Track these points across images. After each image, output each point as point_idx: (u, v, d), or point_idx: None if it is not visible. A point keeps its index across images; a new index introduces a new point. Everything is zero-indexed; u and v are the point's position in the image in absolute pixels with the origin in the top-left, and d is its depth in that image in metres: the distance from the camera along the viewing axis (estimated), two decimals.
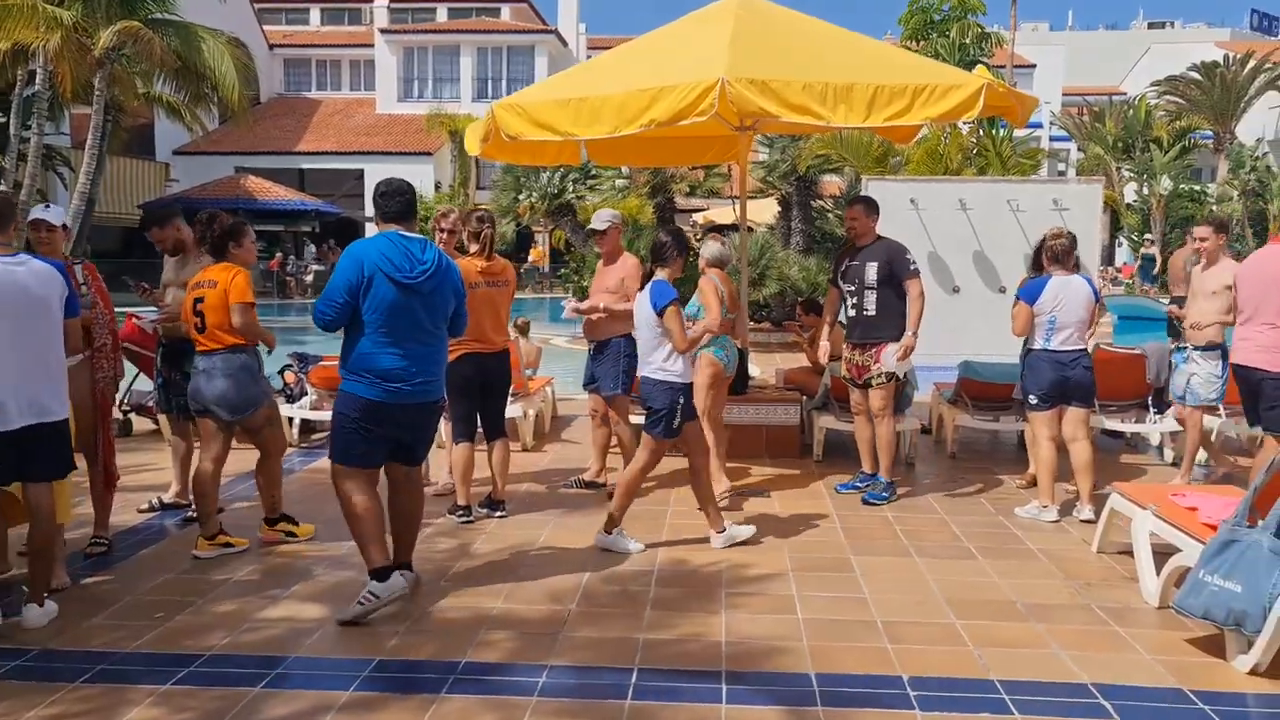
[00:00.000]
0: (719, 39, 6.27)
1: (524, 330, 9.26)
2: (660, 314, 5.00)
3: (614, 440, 6.51)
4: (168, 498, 6.02)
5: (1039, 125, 38.33)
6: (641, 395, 5.26)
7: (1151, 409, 7.72)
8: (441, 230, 5.85)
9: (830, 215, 17.86)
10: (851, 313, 6.39)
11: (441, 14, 43.03)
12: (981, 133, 15.16)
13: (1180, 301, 8.25)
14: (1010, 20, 22.89)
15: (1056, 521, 5.86)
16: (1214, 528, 4.21)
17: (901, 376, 6.38)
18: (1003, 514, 6.05)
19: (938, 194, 10.21)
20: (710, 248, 6.36)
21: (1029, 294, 5.93)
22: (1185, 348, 6.64)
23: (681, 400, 5.09)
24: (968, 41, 18.18)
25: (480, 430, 5.89)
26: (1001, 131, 14.86)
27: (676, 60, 6.32)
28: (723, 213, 25.88)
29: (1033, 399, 5.96)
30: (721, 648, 3.94)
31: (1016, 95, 6.91)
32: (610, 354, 6.33)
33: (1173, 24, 66.67)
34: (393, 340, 4.20)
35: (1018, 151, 15.59)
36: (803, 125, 7.99)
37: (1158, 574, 4.42)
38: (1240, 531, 3.75)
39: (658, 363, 5.08)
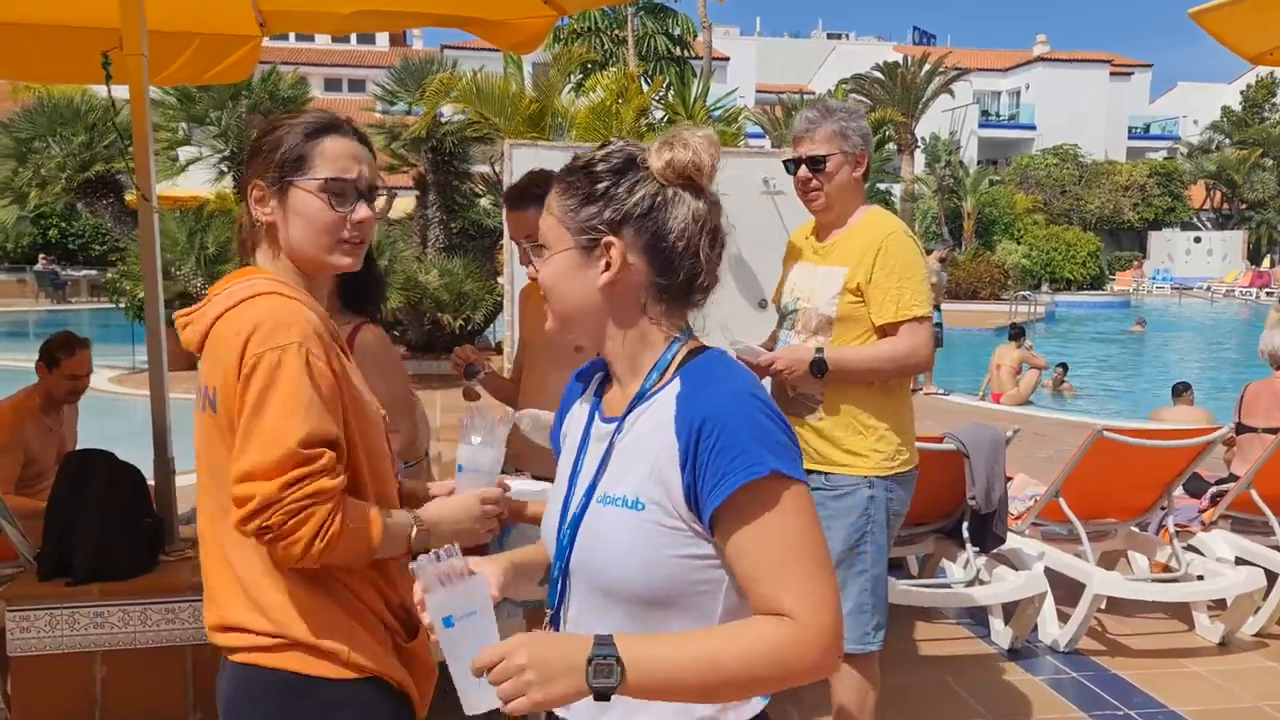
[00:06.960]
0: None
1: None
2: None
3: None
4: None
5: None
6: None
7: (969, 545, 4.09)
8: None
9: (481, 204, 13.59)
10: None
11: None
12: (670, 92, 11.63)
13: None
14: (699, 11, 19.72)
15: None
16: None
17: None
18: None
19: None
20: None
21: None
22: None
23: None
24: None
25: None
26: (695, 90, 11.31)
27: None
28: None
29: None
30: None
31: None
32: None
33: (848, 36, 68.89)
34: None
35: (715, 117, 12.14)
36: None
37: None
38: None
39: None
